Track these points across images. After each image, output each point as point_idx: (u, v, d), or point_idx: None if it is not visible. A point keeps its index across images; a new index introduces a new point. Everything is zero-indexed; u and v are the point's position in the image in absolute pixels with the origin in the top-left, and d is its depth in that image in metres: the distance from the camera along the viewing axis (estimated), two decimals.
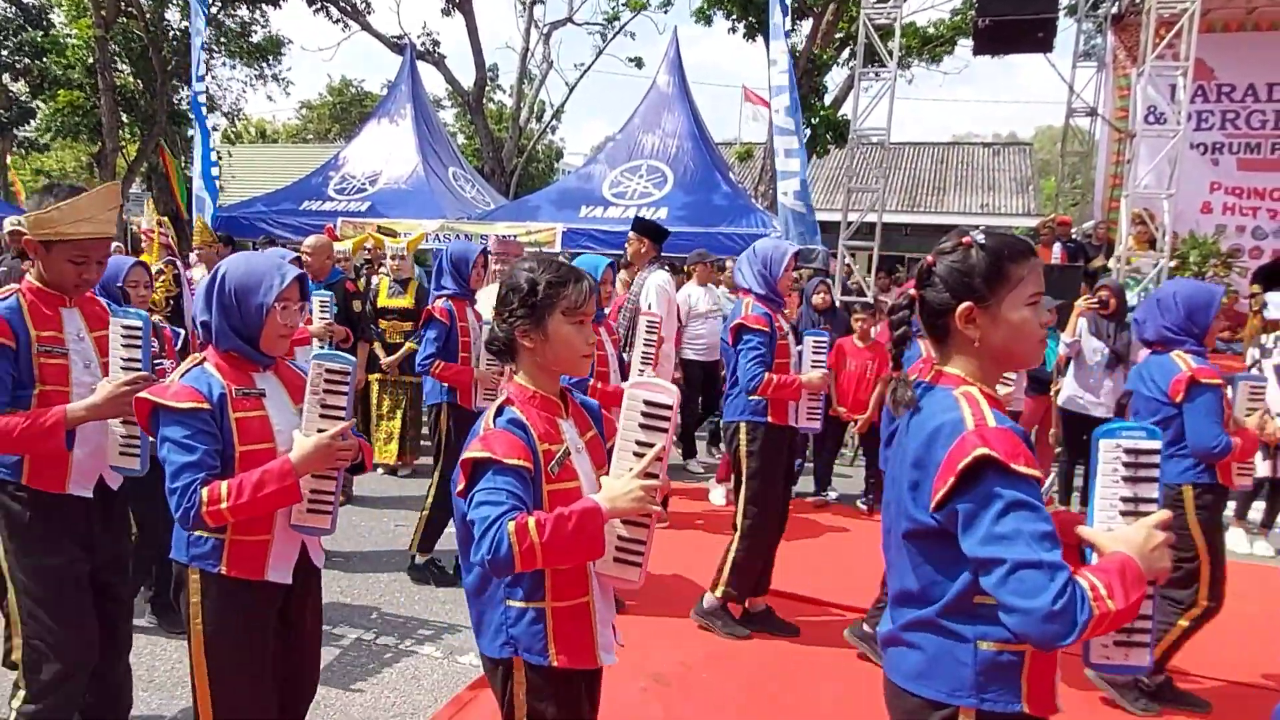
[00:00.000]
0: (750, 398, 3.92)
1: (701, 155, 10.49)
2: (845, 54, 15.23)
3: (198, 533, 2.14)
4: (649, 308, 5.80)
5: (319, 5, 18.77)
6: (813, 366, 4.05)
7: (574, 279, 1.94)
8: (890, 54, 9.46)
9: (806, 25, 14.23)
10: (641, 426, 1.92)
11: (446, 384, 4.57)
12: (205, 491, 2.03)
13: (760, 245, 4.13)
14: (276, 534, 2.19)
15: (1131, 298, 8.12)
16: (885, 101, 9.56)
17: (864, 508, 6.58)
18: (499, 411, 1.91)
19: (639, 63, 21.81)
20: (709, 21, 14.61)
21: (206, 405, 2.08)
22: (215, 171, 12.19)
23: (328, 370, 2.18)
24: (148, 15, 17.74)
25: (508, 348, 1.97)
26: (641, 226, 5.90)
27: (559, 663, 1.88)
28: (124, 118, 18.76)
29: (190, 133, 13.31)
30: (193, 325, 2.34)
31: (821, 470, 6.90)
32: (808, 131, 12.63)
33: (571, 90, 23.85)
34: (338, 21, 19.58)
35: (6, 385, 2.45)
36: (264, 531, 2.17)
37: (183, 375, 2.18)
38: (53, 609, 2.52)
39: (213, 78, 20.37)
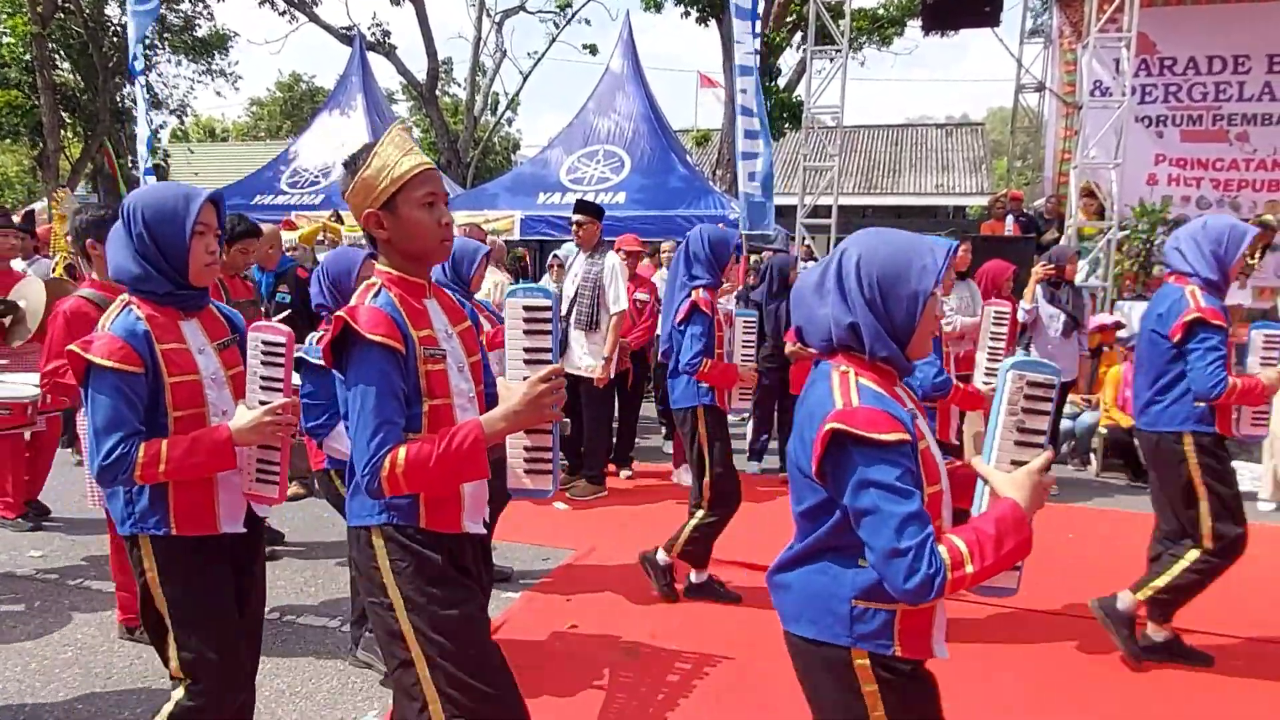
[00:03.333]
0: (1199, 405, 3.38)
1: (657, 138, 10.49)
2: (797, 37, 15.29)
3: (864, 604, 1.68)
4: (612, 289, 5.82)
5: None
6: (1261, 365, 3.49)
7: None
8: (841, 33, 9.52)
9: (759, 8, 14.26)
10: None
11: (708, 384, 3.97)
12: (945, 552, 1.52)
13: (1214, 223, 3.49)
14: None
15: (1083, 265, 8.28)
16: (838, 80, 9.62)
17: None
18: None
19: (593, 50, 21.69)
20: (659, 9, 14.57)
21: (908, 436, 1.59)
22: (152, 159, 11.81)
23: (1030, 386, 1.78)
24: (86, 11, 17.28)
25: None
26: (588, 209, 5.94)
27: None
28: (66, 117, 18.26)
29: (135, 129, 12.95)
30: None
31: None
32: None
33: (526, 78, 23.76)
34: (284, 13, 19.25)
35: (401, 404, 1.87)
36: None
37: (857, 392, 1.64)
38: (481, 669, 1.97)
39: (158, 75, 19.93)
